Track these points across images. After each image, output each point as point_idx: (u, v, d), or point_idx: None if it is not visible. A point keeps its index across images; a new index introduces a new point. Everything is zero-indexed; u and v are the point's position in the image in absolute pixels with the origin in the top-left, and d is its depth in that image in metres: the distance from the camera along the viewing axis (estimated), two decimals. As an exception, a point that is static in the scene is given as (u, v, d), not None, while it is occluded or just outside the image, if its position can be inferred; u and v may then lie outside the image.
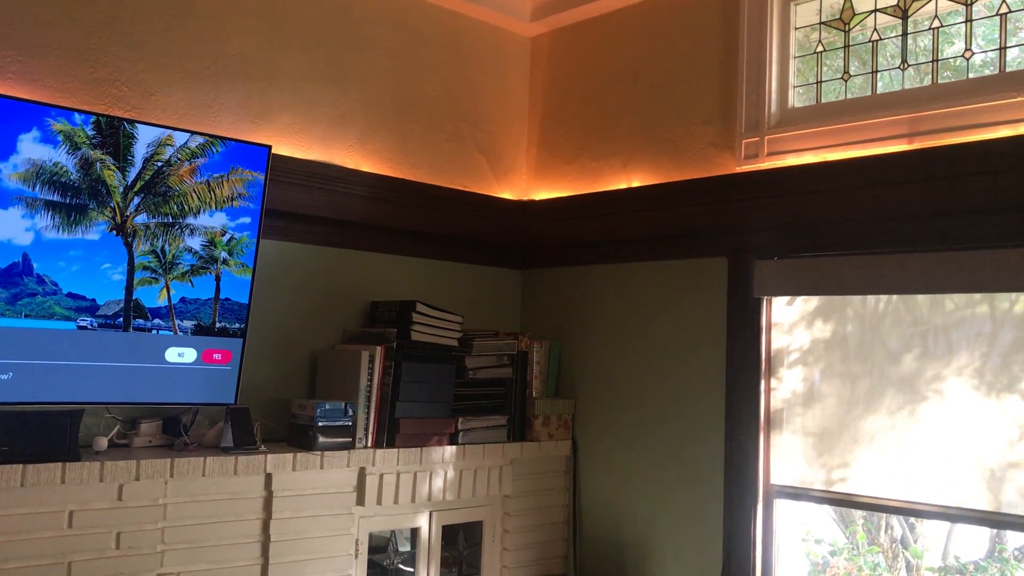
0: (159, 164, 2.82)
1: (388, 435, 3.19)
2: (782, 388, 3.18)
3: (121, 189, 2.76)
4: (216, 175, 2.92)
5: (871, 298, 3.00)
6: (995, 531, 3.04)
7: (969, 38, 2.82)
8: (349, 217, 3.41)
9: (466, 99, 3.89)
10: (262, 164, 3.00)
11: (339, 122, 3.45)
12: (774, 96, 3.23)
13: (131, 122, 2.77)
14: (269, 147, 3.01)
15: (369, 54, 3.55)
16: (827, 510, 3.02)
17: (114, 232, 2.76)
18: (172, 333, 2.89)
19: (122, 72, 2.93)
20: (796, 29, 3.23)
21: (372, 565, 3.23)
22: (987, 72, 2.81)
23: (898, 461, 2.87)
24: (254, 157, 2.99)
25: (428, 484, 3.28)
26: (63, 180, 2.65)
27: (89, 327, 2.73)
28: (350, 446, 3.07)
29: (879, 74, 3.03)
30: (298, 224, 3.31)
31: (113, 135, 2.73)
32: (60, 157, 2.63)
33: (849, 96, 3.10)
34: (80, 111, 2.68)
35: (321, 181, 3.31)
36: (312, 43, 3.39)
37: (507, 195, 3.99)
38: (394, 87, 3.63)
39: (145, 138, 2.78)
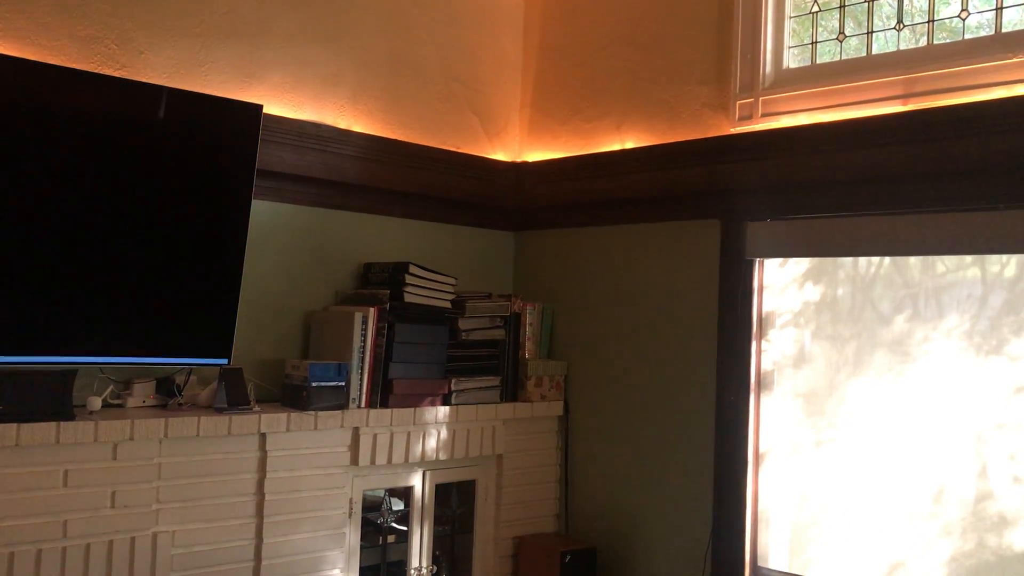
0: (149, 123, 2.79)
1: (382, 395, 3.21)
2: (773, 350, 3.20)
3: (111, 148, 2.73)
4: (207, 135, 2.90)
5: (863, 260, 3.01)
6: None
7: (965, -2, 2.80)
8: (341, 178, 3.39)
9: (459, 59, 3.85)
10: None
11: (331, 81, 3.42)
12: (769, 57, 3.21)
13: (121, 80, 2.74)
14: (260, 107, 2.99)
15: (361, 12, 3.51)
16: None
17: (105, 192, 2.74)
18: (164, 294, 2.88)
19: (111, 30, 2.89)
20: (792, -12, 3.21)
21: (366, 523, 3.26)
22: (983, 33, 2.79)
23: (885, 423, 2.91)
24: (245, 117, 2.96)
25: (421, 444, 3.30)
26: (53, 139, 2.62)
27: (81, 287, 2.72)
28: (344, 406, 3.08)
29: (874, 35, 3.01)
30: (289, 185, 3.29)
31: (102, 94, 2.70)
32: (49, 116, 2.61)
33: (844, 57, 3.08)
34: (69, 69, 2.65)
35: (312, 141, 3.29)
36: (303, 0, 3.34)
37: (500, 156, 3.98)
38: (386, 46, 3.59)
39: (135, 97, 2.76)
